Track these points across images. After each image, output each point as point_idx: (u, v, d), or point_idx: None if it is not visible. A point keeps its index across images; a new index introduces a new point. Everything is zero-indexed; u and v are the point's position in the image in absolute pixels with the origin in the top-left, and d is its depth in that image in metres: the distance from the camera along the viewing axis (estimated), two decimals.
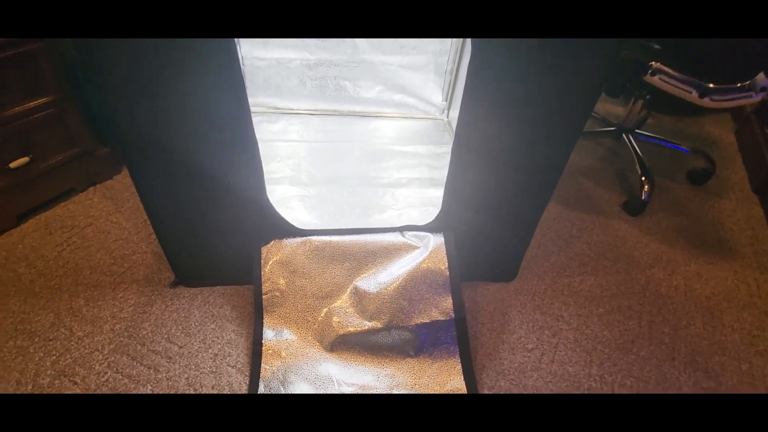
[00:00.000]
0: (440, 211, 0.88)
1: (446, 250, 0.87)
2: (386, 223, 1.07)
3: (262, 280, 0.86)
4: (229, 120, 0.68)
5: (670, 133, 1.65)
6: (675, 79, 1.02)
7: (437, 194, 0.99)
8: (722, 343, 0.94)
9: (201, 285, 0.96)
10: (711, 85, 0.98)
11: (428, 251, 0.86)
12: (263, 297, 0.86)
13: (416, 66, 1.44)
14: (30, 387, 0.76)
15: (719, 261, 1.13)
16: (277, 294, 0.86)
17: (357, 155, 1.33)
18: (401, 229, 0.90)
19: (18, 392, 0.75)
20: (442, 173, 1.29)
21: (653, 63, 1.03)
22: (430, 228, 0.89)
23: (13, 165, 0.97)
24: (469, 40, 0.65)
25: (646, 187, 1.24)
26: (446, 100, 1.49)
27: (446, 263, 0.86)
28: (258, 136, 0.74)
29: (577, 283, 1.05)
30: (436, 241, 0.87)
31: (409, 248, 0.87)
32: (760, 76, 0.93)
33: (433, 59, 1.43)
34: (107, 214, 1.10)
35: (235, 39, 0.61)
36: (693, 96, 1.01)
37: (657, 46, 1.11)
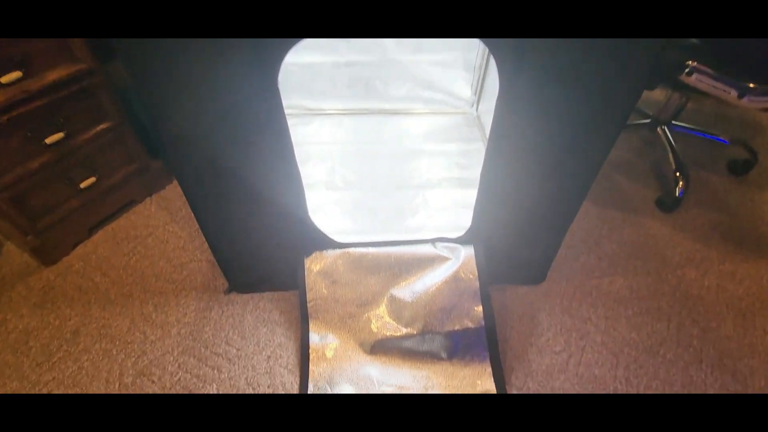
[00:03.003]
0: (471, 223, 0.92)
1: (476, 262, 0.92)
2: (418, 226, 1.13)
3: (306, 289, 0.95)
4: (268, 133, 0.71)
5: (712, 117, 1.59)
6: (713, 78, 0.99)
7: (467, 194, 1.02)
8: (753, 346, 0.95)
9: (252, 291, 1.05)
10: (751, 85, 0.96)
11: (459, 262, 0.92)
12: (308, 305, 0.94)
13: (445, 63, 1.45)
14: (117, 386, 0.89)
15: (756, 259, 1.12)
16: (321, 302, 0.95)
17: (388, 156, 1.37)
18: (433, 241, 0.95)
19: (108, 390, 0.88)
20: (472, 172, 1.33)
21: (690, 62, 1.00)
22: (461, 240, 0.94)
23: (83, 185, 1.08)
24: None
25: (681, 183, 1.22)
26: (475, 95, 1.50)
27: (476, 273, 0.91)
28: (293, 139, 0.74)
29: (606, 285, 1.07)
30: (467, 252, 0.93)
31: (441, 260, 0.93)
32: None
33: (462, 55, 1.44)
34: (164, 224, 1.21)
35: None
36: (731, 96, 0.98)
37: (695, 41, 1.07)
